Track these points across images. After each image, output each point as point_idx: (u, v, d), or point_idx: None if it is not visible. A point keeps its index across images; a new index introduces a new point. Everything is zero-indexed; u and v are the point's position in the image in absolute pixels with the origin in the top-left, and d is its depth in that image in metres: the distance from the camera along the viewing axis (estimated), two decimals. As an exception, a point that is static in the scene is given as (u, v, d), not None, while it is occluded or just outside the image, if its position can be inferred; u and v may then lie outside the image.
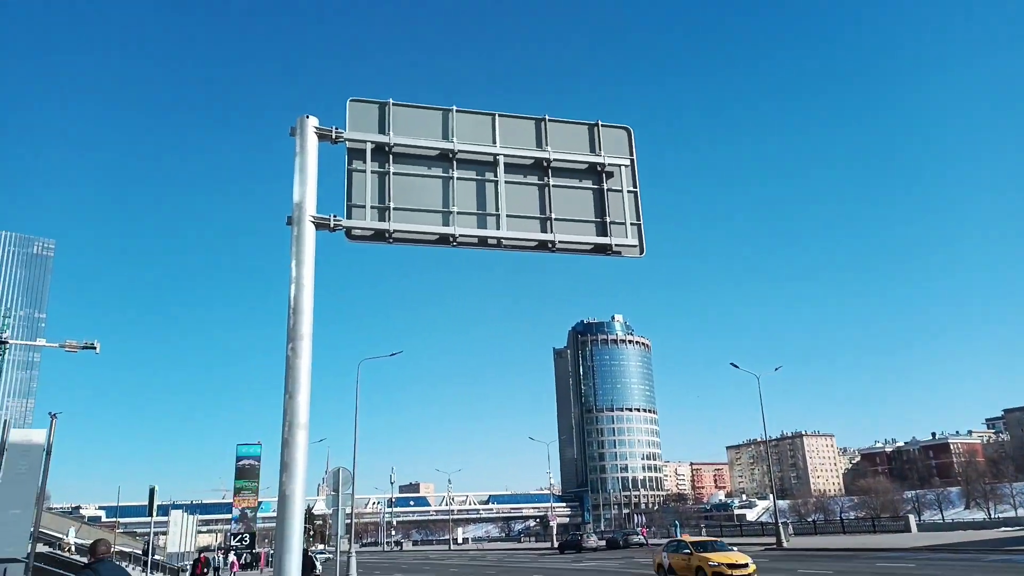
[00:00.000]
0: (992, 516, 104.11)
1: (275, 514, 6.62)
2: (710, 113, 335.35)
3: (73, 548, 42.90)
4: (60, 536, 45.77)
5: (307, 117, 7.34)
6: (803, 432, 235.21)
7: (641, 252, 8.46)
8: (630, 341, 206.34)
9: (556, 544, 72.51)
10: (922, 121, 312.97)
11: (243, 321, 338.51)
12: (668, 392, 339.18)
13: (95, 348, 23.47)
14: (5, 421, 16.61)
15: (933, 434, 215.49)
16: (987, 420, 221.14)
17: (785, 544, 43.58)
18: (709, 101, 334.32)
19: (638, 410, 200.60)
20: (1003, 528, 56.99)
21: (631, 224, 8.43)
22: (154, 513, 25.81)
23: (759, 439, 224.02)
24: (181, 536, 43.85)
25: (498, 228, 8.01)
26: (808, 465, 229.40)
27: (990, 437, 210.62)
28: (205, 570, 30.31)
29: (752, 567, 23.62)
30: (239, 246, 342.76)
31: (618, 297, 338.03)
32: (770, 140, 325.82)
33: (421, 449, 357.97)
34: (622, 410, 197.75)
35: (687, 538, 27.80)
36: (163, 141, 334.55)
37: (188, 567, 37.14)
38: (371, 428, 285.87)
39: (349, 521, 30.60)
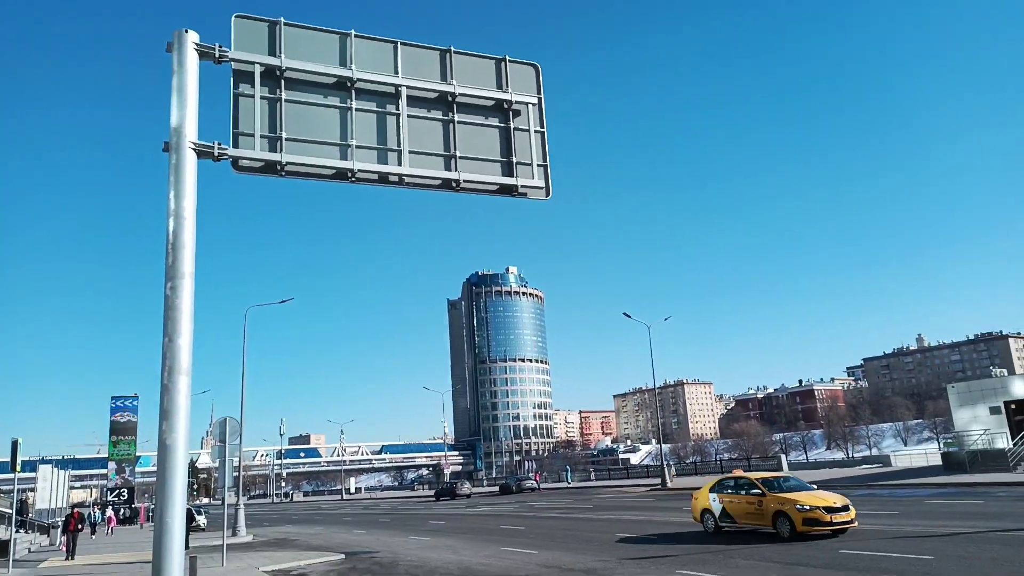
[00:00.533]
0: (850, 456, 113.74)
1: (155, 468, 6.16)
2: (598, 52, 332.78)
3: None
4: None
5: (186, 31, 6.62)
6: (684, 380, 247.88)
7: (547, 194, 8.31)
8: (524, 293, 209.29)
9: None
10: (838, 60, 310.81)
11: (120, 258, 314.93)
12: (561, 342, 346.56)
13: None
14: None
15: (800, 381, 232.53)
16: (848, 368, 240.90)
17: (669, 484, 45.76)
18: (605, 39, 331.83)
19: (530, 361, 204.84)
20: (863, 466, 62.36)
21: (538, 165, 8.25)
22: (18, 468, 23.97)
23: (644, 387, 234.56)
24: (52, 492, 41.64)
25: (400, 164, 7.62)
26: (688, 411, 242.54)
27: (850, 384, 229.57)
28: (80, 526, 28.60)
29: (853, 511, 17.19)
30: (114, 173, 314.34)
31: (514, 247, 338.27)
32: (662, 81, 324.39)
33: (313, 400, 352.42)
34: (515, 361, 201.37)
35: (748, 475, 20.68)
36: (22, 55, 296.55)
37: (60, 523, 35.19)
38: (260, 378, 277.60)
39: (237, 473, 29.67)
